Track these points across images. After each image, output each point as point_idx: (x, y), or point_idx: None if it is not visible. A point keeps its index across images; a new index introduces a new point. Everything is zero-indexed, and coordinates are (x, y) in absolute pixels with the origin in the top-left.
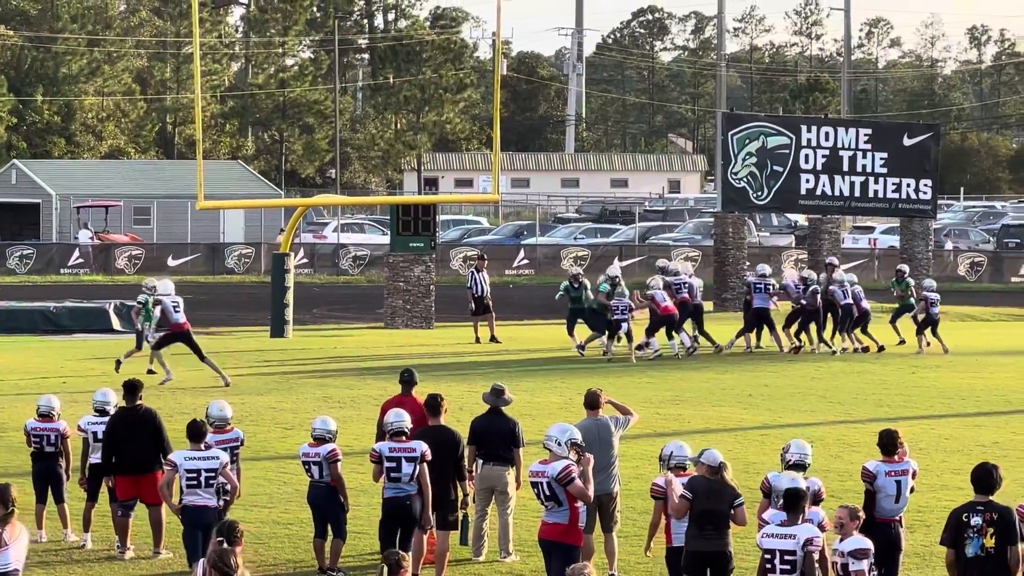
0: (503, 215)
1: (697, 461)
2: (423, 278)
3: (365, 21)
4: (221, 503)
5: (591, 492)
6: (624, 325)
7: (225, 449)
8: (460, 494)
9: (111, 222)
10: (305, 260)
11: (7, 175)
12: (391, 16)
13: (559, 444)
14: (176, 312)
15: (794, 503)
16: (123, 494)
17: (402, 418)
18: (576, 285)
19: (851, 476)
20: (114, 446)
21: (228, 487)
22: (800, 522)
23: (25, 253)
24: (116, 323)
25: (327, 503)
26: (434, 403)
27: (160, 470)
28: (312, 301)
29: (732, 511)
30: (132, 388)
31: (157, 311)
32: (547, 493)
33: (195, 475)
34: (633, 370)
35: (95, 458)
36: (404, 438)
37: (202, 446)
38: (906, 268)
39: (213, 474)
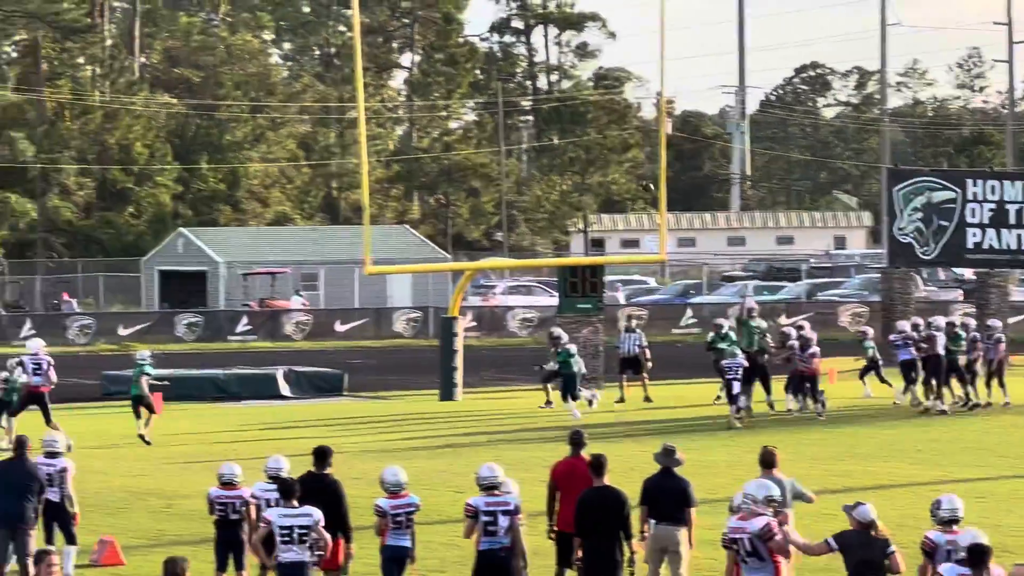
0: (670, 274)
1: (849, 512)
2: (591, 339)
3: (528, 83)
4: (315, 558)
5: (792, 547)
6: (735, 385)
7: (399, 515)
8: (627, 553)
9: (279, 289)
10: (473, 323)
11: (174, 243)
12: (554, 77)
13: (755, 501)
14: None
15: (979, 559)
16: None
17: (495, 473)
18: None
19: None
20: None
21: (320, 543)
22: None
23: (193, 320)
24: (285, 389)
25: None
26: (598, 464)
27: (340, 539)
28: (481, 363)
29: (886, 559)
30: (322, 455)
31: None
32: (748, 549)
33: (288, 531)
34: (803, 426)
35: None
36: (498, 492)
37: (295, 503)
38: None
39: (306, 531)
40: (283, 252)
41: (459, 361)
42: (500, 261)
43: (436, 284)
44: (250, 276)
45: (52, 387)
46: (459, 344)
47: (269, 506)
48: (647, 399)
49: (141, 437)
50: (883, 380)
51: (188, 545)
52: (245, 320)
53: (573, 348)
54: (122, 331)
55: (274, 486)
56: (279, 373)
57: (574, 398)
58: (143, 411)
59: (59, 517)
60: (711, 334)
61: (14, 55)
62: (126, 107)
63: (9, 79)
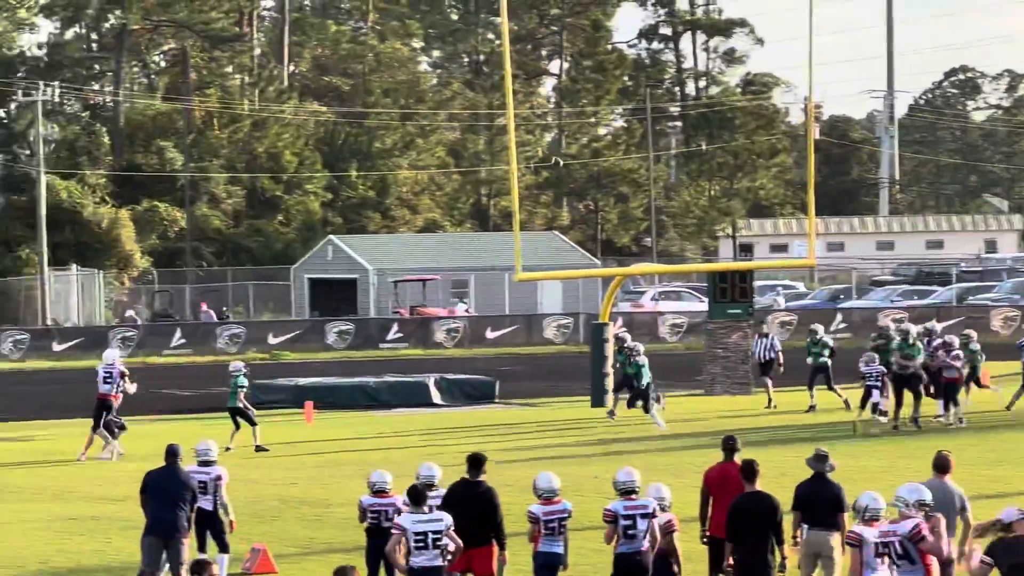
0: (819, 279)
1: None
2: (741, 344)
3: (676, 89)
4: (446, 563)
5: (945, 549)
6: (874, 393)
7: (552, 521)
8: (779, 559)
9: (429, 296)
10: (623, 328)
11: (323, 251)
12: (702, 83)
13: (907, 504)
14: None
15: None
16: (453, 566)
17: (633, 478)
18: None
19: None
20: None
21: (452, 547)
22: None
23: (343, 329)
24: (436, 397)
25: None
26: (750, 469)
27: (490, 545)
28: None
29: None
30: (476, 462)
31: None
32: (899, 552)
33: (423, 537)
34: (952, 433)
35: None
36: (635, 496)
37: (426, 508)
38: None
39: (439, 536)
40: (433, 259)
41: (610, 367)
42: (649, 267)
43: (586, 290)
44: (400, 283)
45: (121, 396)
46: (610, 350)
47: None
48: (769, 404)
49: (259, 448)
50: None
51: (340, 553)
52: (396, 328)
53: (643, 359)
54: (272, 340)
55: (430, 494)
56: (430, 381)
57: (646, 410)
58: (242, 423)
59: (212, 525)
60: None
61: (163, 65)
62: (275, 115)
63: (158, 88)
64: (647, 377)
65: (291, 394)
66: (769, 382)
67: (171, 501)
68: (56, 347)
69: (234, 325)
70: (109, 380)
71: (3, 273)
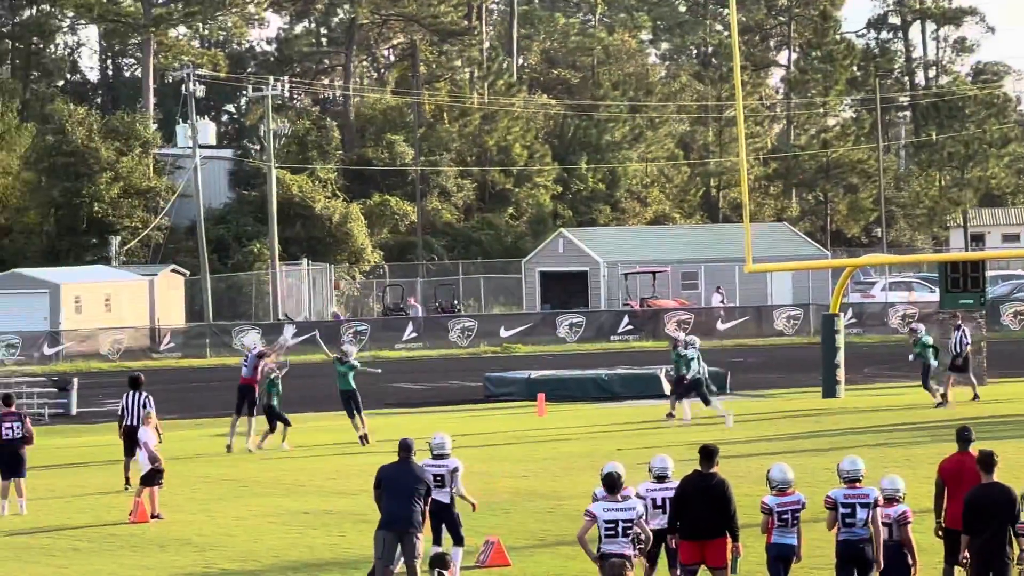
0: None
1: None
2: (974, 335)
3: (906, 78)
4: (635, 552)
5: None
6: None
7: (785, 513)
8: (1016, 550)
9: (659, 288)
10: (854, 319)
11: (554, 244)
12: (932, 73)
13: None
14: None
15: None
16: (686, 558)
17: (857, 466)
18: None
19: None
20: (681, 509)
21: (643, 536)
22: None
23: (575, 321)
24: (667, 389)
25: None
26: (987, 460)
27: (723, 536)
28: (862, 360)
29: None
30: (709, 454)
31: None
32: None
33: (613, 525)
34: None
35: (654, 524)
36: (858, 484)
37: (619, 497)
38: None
39: (630, 524)
40: (663, 251)
41: (841, 358)
42: (880, 257)
43: (816, 281)
44: (631, 276)
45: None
46: (841, 341)
47: (655, 506)
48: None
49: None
50: None
51: (571, 545)
52: (626, 320)
53: (692, 352)
54: (504, 333)
55: (659, 485)
56: (661, 373)
57: (706, 403)
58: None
59: (447, 518)
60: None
61: (392, 59)
62: (504, 109)
63: (388, 82)
64: (693, 370)
65: (523, 387)
66: (953, 376)
67: (405, 495)
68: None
69: (466, 318)
70: (245, 364)
71: (235, 268)
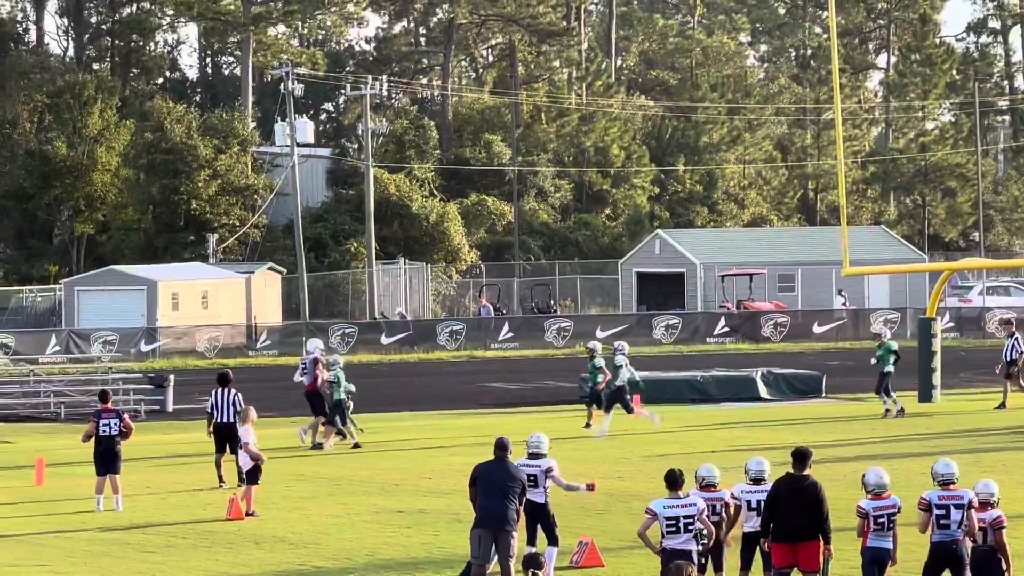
0: None
1: None
2: None
3: (1005, 83)
4: (700, 547)
5: None
6: None
7: (881, 516)
8: None
9: (756, 290)
10: (951, 324)
11: (651, 245)
12: None
13: None
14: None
15: None
16: (779, 561)
17: (952, 469)
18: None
19: None
20: (774, 512)
21: (705, 532)
22: None
23: (671, 323)
24: (763, 391)
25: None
26: None
27: (816, 539)
28: (959, 365)
29: None
30: (802, 456)
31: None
32: None
33: (674, 522)
34: None
35: (749, 526)
36: (952, 486)
37: (680, 493)
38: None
39: (691, 520)
40: (760, 253)
41: (937, 362)
42: (978, 261)
43: (913, 285)
44: (727, 278)
45: (317, 386)
46: (937, 345)
47: (750, 508)
48: (1001, 406)
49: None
50: None
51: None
52: (723, 322)
53: (620, 359)
54: (600, 333)
55: (755, 487)
56: (757, 375)
57: (628, 411)
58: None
59: (542, 518)
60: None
61: (491, 59)
62: (602, 110)
63: (486, 82)
64: (622, 378)
65: None
66: (1008, 383)
67: (501, 494)
68: (384, 340)
69: (562, 319)
70: (305, 371)
71: (331, 266)
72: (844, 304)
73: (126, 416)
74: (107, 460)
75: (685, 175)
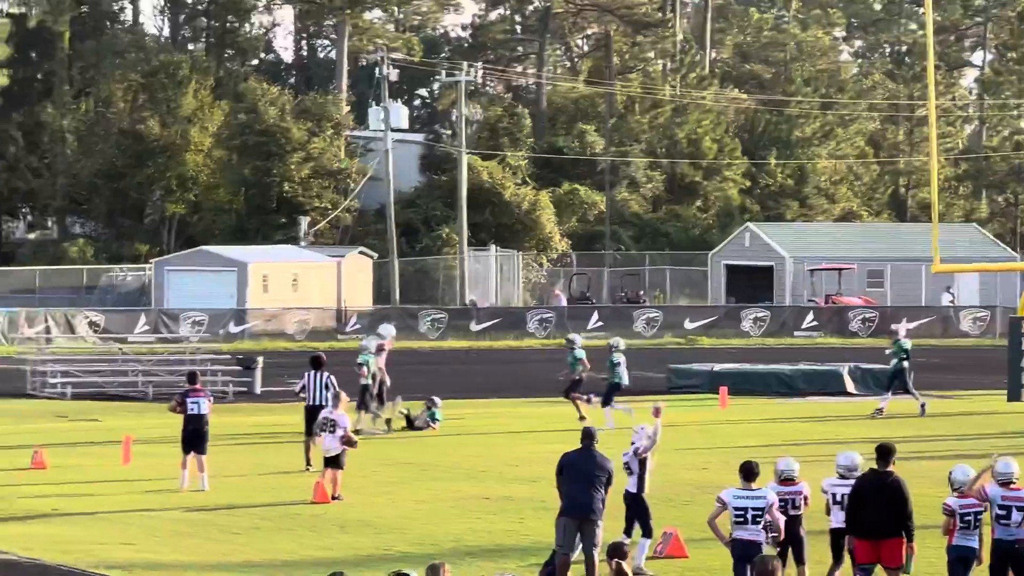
0: None
1: None
2: None
3: None
4: (769, 540)
5: None
6: None
7: (967, 515)
8: None
9: (845, 285)
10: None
11: (741, 238)
12: None
13: None
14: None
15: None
16: (861, 558)
17: (1012, 469)
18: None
19: None
20: (857, 508)
21: (774, 525)
22: None
23: (759, 316)
24: (850, 386)
25: None
26: None
27: (899, 536)
28: None
29: None
30: (886, 452)
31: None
32: None
33: (743, 512)
34: None
35: (836, 522)
36: (1014, 486)
37: (753, 485)
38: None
39: (760, 513)
40: (849, 248)
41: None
42: None
43: (1004, 284)
44: (816, 272)
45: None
46: None
47: (835, 502)
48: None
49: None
50: None
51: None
52: (811, 316)
53: (617, 356)
54: (688, 325)
55: (843, 482)
56: (844, 370)
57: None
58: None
59: (636, 508)
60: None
61: (586, 48)
62: (696, 101)
63: (581, 72)
64: (620, 375)
65: (706, 379)
66: None
67: (587, 483)
68: (474, 327)
69: (651, 309)
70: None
71: (423, 252)
72: (952, 302)
73: (210, 400)
74: (194, 440)
75: (776, 169)
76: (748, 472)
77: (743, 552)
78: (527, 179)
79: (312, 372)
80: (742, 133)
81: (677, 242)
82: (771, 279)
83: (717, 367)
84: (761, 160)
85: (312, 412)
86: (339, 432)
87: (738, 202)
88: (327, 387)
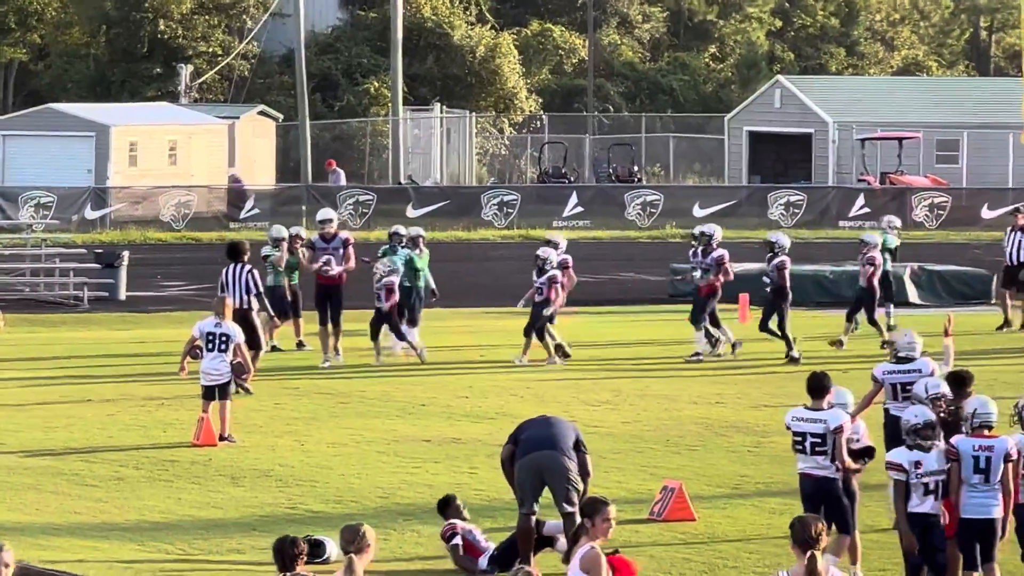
0: None
1: None
2: None
3: None
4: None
5: None
6: None
7: None
8: None
9: (906, 160)
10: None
11: (769, 96)
12: None
13: None
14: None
15: None
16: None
17: None
18: None
19: None
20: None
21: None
22: None
23: (793, 200)
24: (912, 294)
25: None
26: None
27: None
28: None
29: None
30: (960, 381)
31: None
32: None
33: (800, 439)
34: None
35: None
36: None
37: (823, 405)
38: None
39: (819, 441)
40: (913, 111)
41: None
42: None
43: None
44: (869, 142)
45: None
46: None
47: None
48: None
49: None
50: None
51: (777, 496)
52: (861, 200)
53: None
54: (697, 211)
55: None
56: (905, 272)
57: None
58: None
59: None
60: None
61: None
62: None
63: None
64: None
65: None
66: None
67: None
68: (411, 212)
69: (648, 191)
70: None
71: (344, 113)
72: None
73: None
74: None
75: (816, 4)
76: (815, 387)
77: (812, 489)
78: (484, 15)
79: (231, 266)
80: None
81: (683, 101)
82: (809, 151)
83: (737, 268)
84: None
85: (240, 316)
86: (228, 354)
87: (765, 48)
88: (247, 285)
